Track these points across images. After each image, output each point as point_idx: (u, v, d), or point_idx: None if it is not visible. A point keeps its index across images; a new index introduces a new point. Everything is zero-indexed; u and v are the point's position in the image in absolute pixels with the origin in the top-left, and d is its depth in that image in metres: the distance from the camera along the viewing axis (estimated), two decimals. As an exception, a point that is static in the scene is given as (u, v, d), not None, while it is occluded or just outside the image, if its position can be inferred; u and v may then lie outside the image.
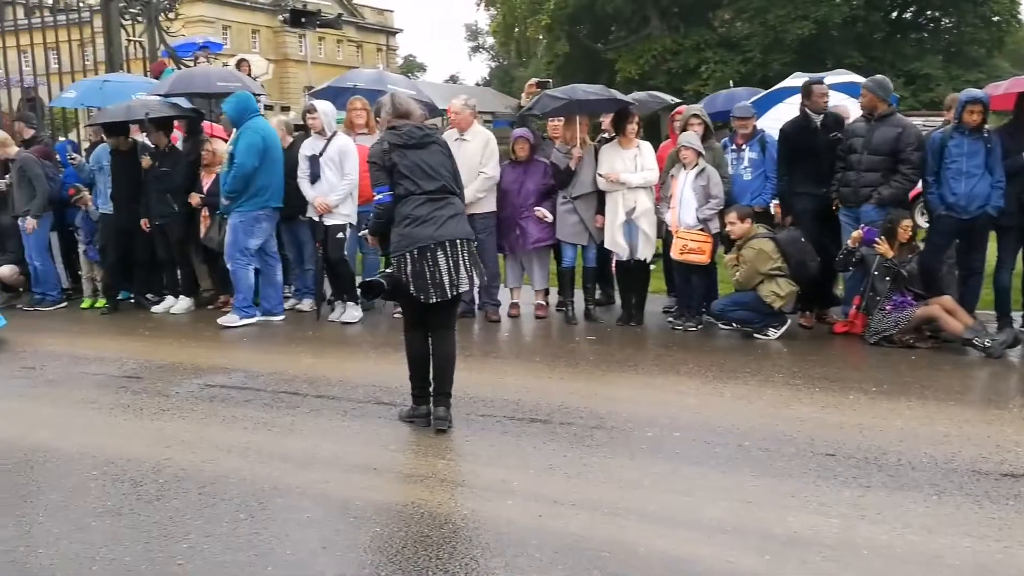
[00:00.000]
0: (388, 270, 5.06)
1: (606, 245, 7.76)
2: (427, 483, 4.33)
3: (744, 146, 7.76)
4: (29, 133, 9.43)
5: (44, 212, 8.91)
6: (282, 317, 8.30)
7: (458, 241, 4.94)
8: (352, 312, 8.05)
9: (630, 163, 7.61)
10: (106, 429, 5.35)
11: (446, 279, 4.88)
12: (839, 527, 3.74)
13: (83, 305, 9.23)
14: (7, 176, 9.11)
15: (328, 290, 8.42)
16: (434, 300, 4.91)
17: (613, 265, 8.14)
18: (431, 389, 5.11)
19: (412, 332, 5.14)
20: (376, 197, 5.01)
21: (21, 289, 9.41)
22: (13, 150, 9.02)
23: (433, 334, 5.10)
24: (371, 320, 8.22)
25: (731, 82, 18.70)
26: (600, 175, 7.65)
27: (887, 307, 6.87)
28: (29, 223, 8.81)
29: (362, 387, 6.00)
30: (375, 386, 5.99)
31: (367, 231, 5.46)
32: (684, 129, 7.65)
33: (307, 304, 8.61)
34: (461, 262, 4.94)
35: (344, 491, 4.25)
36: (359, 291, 5.48)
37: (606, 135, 8.28)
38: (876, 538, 3.64)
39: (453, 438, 4.98)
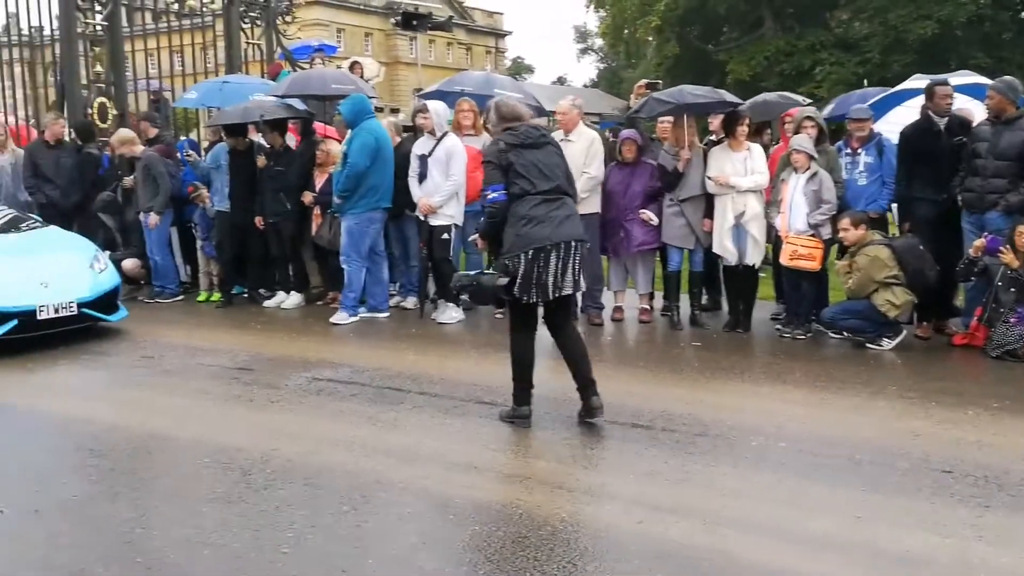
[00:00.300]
0: (491, 270, 5.07)
1: (714, 249, 7.62)
2: (526, 484, 4.33)
3: (860, 150, 7.51)
4: (153, 132, 9.83)
5: (166, 209, 9.27)
6: (387, 314, 8.43)
7: (573, 243, 4.95)
8: (452, 313, 8.12)
9: (740, 166, 7.45)
10: (219, 419, 5.53)
11: (550, 280, 4.88)
12: (955, 548, 3.58)
13: (199, 298, 9.57)
14: (132, 175, 9.50)
15: (432, 288, 8.51)
16: (534, 300, 4.92)
17: (720, 270, 8.00)
18: (576, 385, 5.12)
19: (520, 333, 5.15)
20: (488, 196, 4.99)
21: (142, 282, 9.80)
22: (139, 148, 9.41)
23: (559, 334, 5.16)
24: (472, 320, 8.28)
25: (865, 82, 17.93)
26: (709, 178, 7.52)
27: (1011, 319, 6.54)
28: (152, 219, 9.19)
29: (464, 386, 6.04)
30: (476, 385, 6.02)
31: (476, 234, 5.42)
32: (797, 132, 7.45)
33: (411, 302, 8.73)
34: (571, 264, 4.93)
35: (445, 488, 4.29)
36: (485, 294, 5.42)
37: (713, 137, 8.14)
38: (995, 561, 3.47)
39: (553, 440, 4.97)
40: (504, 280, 4.93)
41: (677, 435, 5.00)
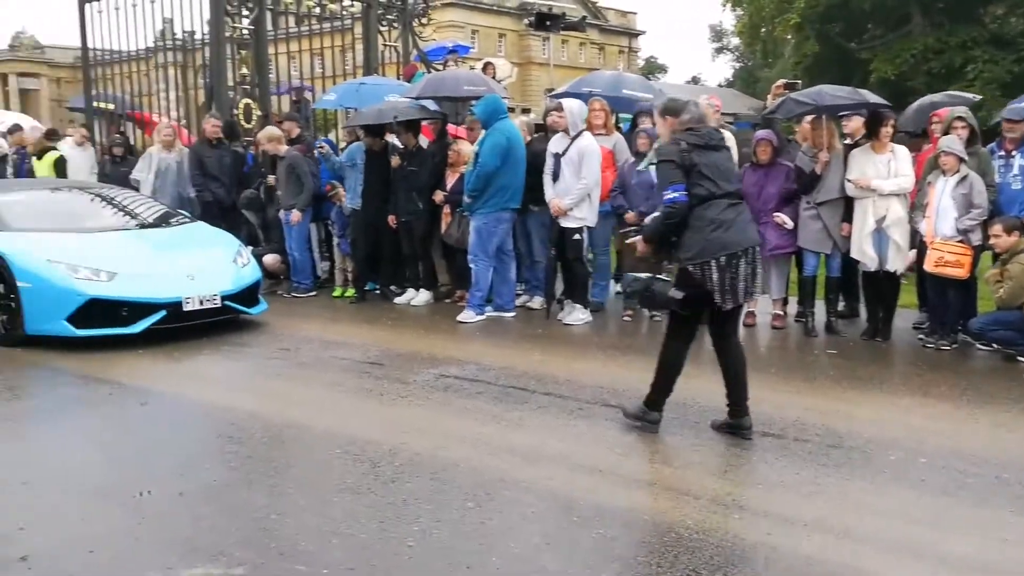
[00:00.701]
0: (664, 276, 4.89)
1: (852, 254, 7.34)
2: (652, 490, 4.28)
3: (1015, 152, 7.09)
4: (296, 132, 10.19)
5: (307, 207, 9.58)
6: (513, 314, 8.47)
7: (756, 247, 4.87)
8: (579, 314, 8.08)
9: (883, 168, 7.16)
10: (350, 411, 5.68)
11: (741, 285, 4.75)
12: (1115, 579, 3.34)
13: (334, 294, 9.86)
14: (274, 173, 9.86)
15: (559, 288, 8.51)
16: (729, 306, 4.79)
17: (860, 276, 7.71)
18: (729, 401, 4.98)
19: (678, 341, 5.00)
20: (667, 196, 4.78)
21: (282, 277, 10.18)
22: (283, 148, 9.73)
23: (723, 345, 5.00)
24: (599, 322, 8.23)
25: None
26: (849, 180, 7.26)
27: None
28: (294, 216, 9.50)
29: (589, 388, 6.01)
30: (602, 387, 5.98)
31: (637, 236, 5.23)
32: (946, 133, 7.10)
33: (537, 302, 8.75)
34: (756, 269, 4.84)
35: (568, 489, 4.27)
36: (641, 300, 5.29)
37: (848, 141, 7.81)
38: None
39: (680, 446, 4.89)
40: (679, 294, 4.81)
41: (810, 446, 4.84)
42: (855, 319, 8.09)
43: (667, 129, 4.97)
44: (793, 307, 8.09)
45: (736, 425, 4.95)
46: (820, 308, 7.77)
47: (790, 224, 7.56)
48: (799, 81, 10.01)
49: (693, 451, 4.82)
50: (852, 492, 4.23)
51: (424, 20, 14.05)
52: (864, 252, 7.23)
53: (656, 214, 5.06)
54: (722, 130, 7.86)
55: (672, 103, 5.03)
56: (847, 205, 7.38)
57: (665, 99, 5.17)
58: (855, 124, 7.70)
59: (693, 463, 4.66)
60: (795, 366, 6.75)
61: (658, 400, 5.06)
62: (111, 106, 13.03)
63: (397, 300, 9.32)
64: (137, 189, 10.18)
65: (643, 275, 5.27)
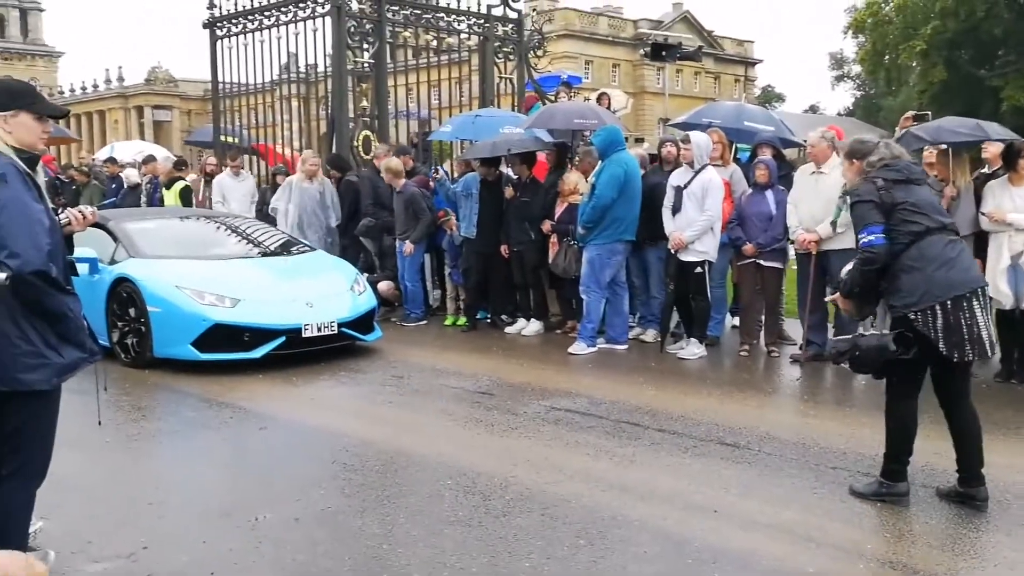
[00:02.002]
0: (893, 333, 4.37)
1: (986, 292, 6.97)
2: (770, 532, 4.12)
3: None
4: (411, 164, 10.38)
5: (423, 239, 9.71)
6: (626, 346, 8.38)
7: (985, 289, 4.44)
8: (694, 349, 7.92)
9: (1020, 202, 6.80)
10: (461, 441, 5.68)
11: (983, 332, 4.27)
12: None
13: (446, 322, 9.95)
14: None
15: (673, 321, 8.36)
16: (969, 358, 4.33)
17: (992, 314, 7.30)
18: (960, 468, 4.47)
19: (905, 400, 4.53)
20: (863, 239, 4.38)
21: (396, 303, 10.33)
22: (401, 181, 9.89)
23: (955, 405, 4.52)
24: (714, 357, 8.05)
25: None
26: (982, 214, 6.92)
27: None
28: (408, 247, 9.66)
29: (704, 425, 5.87)
30: (717, 425, 5.83)
31: (837, 293, 4.80)
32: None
33: (651, 335, 8.62)
34: (990, 316, 4.42)
35: (682, 530, 4.16)
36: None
37: (987, 170, 7.44)
38: None
39: (799, 489, 4.71)
40: (895, 348, 4.33)
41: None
42: (987, 360, 7.66)
43: (854, 173, 4.67)
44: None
45: (968, 495, 4.44)
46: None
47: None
48: (928, 112, 9.63)
49: (812, 494, 4.63)
50: (989, 546, 3.99)
51: (539, 52, 14.17)
52: (998, 289, 6.85)
53: (850, 265, 4.61)
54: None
55: (860, 145, 4.70)
56: (976, 241, 7.03)
57: (851, 141, 4.83)
58: (995, 149, 7.31)
59: (814, 506, 4.47)
60: (922, 408, 6.38)
61: (900, 470, 4.53)
62: (235, 139, 13.53)
63: (508, 329, 9.34)
64: (274, 219, 10.47)
65: (846, 336, 4.80)
